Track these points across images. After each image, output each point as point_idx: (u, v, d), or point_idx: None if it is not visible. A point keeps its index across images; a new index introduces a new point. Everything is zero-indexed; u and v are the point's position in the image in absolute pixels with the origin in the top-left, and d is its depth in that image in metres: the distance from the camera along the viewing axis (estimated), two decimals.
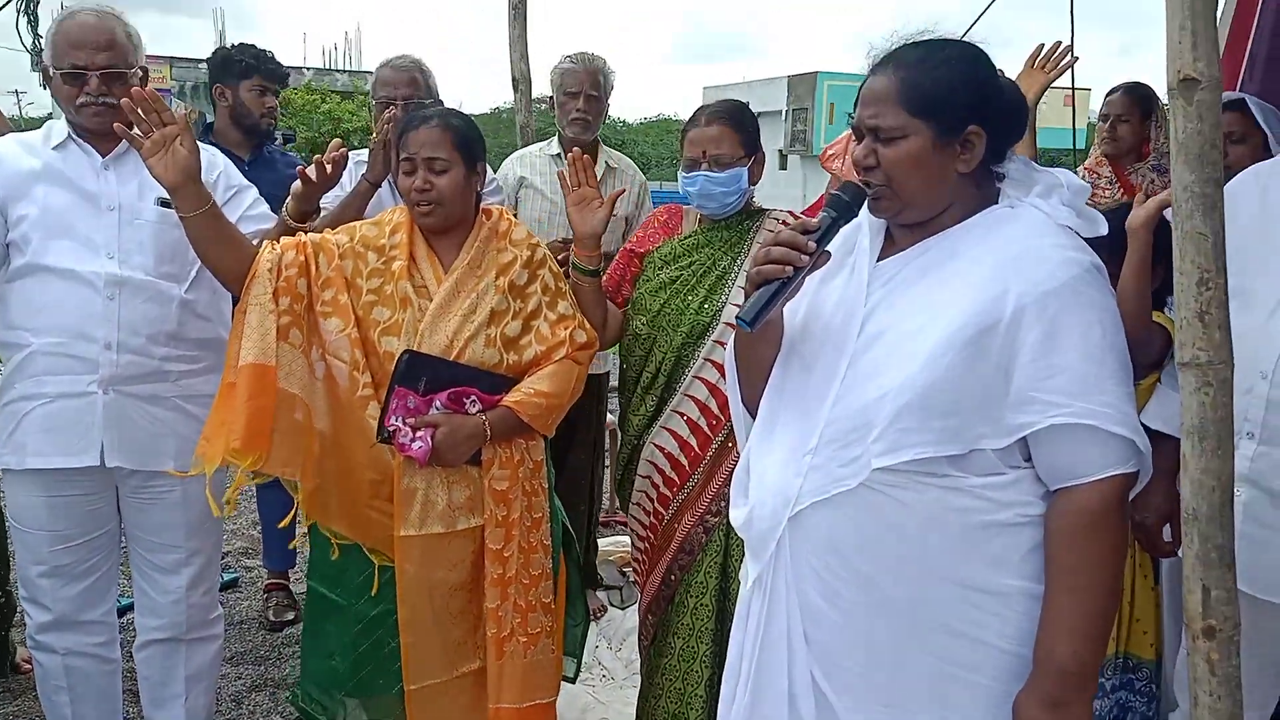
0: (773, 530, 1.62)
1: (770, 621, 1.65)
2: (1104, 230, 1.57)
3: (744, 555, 2.49)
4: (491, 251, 2.43)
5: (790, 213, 2.69)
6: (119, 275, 2.44)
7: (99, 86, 2.41)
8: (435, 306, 2.33)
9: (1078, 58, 2.89)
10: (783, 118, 30.51)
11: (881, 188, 1.58)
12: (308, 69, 31.33)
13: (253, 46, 3.76)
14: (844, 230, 1.63)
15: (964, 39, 1.65)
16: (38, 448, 2.47)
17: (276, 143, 4.01)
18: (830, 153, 2.62)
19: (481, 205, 2.50)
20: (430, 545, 2.34)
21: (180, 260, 2.46)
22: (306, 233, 2.44)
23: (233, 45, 3.80)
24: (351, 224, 2.47)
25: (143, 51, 2.53)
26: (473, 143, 2.42)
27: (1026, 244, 1.52)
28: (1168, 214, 1.78)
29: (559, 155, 3.62)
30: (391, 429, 2.27)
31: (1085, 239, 1.55)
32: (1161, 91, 3.58)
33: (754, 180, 2.57)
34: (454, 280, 2.37)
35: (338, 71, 32.20)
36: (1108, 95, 3.88)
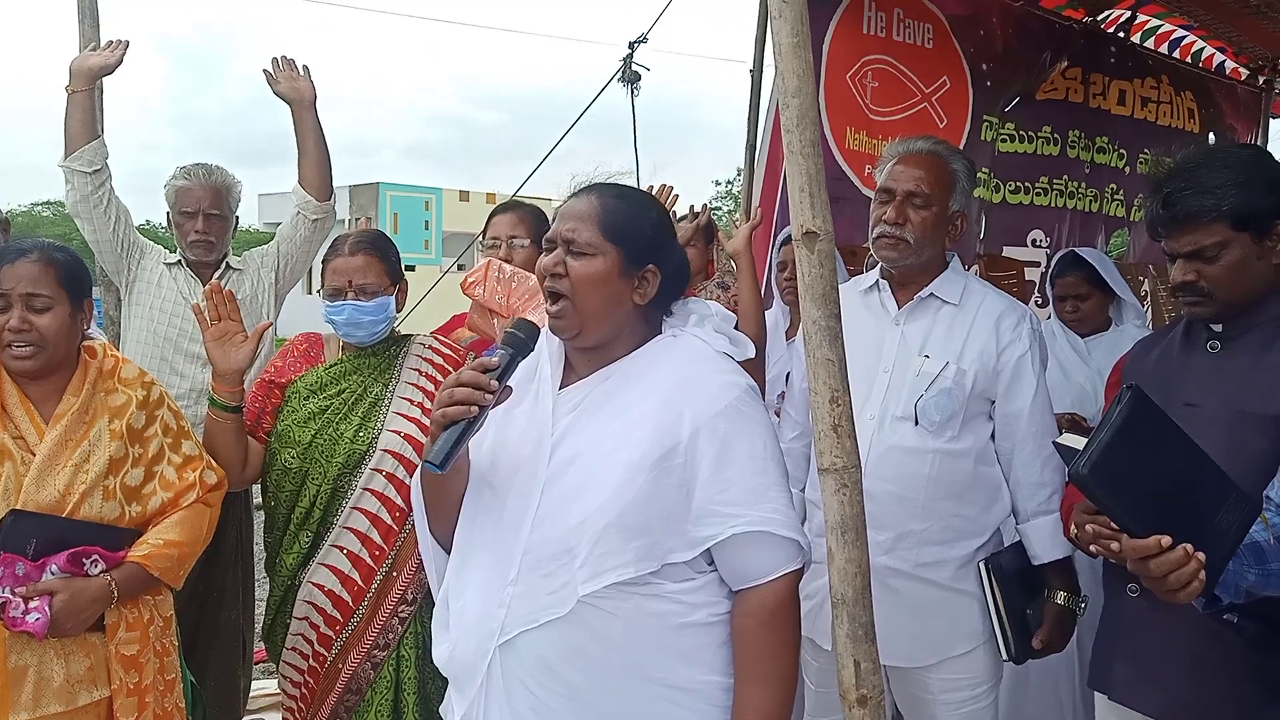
0: (479, 663, 1.65)
1: None
2: (752, 353, 1.78)
3: (416, 689, 2.47)
4: (100, 394, 2.24)
5: (437, 337, 2.75)
6: None
7: None
8: (41, 459, 2.12)
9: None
10: (346, 227, 30.27)
11: (565, 303, 1.69)
12: None
13: None
14: (522, 363, 1.71)
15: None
16: None
17: None
18: (471, 280, 2.71)
19: (84, 344, 2.30)
20: None
21: None
22: None
23: None
24: None
25: None
26: (79, 277, 2.24)
27: (692, 370, 1.69)
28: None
29: (180, 263, 3.35)
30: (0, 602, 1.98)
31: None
32: None
33: (399, 308, 2.60)
34: (62, 428, 2.16)
35: None
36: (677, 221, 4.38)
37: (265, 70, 3.39)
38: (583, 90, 5.77)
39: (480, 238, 3.21)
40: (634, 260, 1.71)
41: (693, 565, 1.66)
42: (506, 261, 2.86)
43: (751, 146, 4.11)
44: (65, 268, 2.20)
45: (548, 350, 1.78)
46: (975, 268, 4.39)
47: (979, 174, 4.18)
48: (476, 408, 1.59)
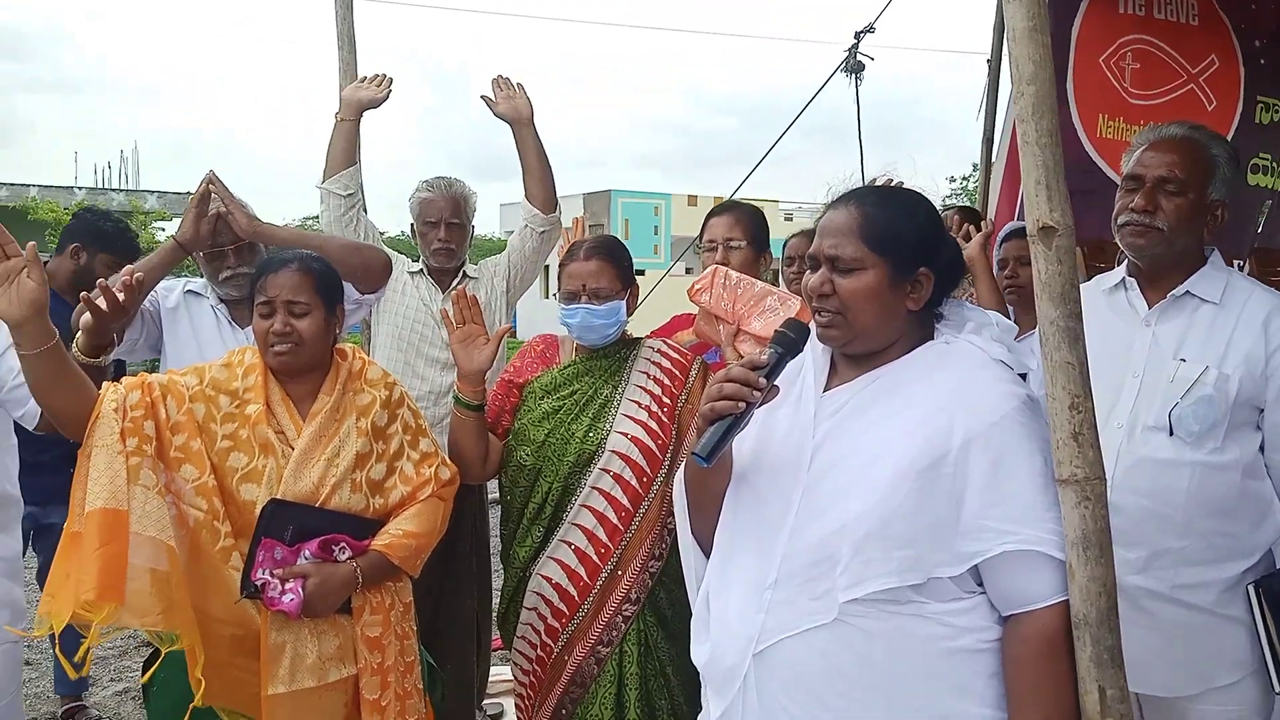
0: (738, 668, 1.62)
1: None
2: (1034, 366, 1.69)
3: (638, 686, 2.50)
4: (350, 394, 2.38)
5: (665, 341, 2.77)
6: None
7: None
8: (299, 453, 2.26)
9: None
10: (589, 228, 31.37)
11: (835, 316, 1.64)
12: (79, 188, 29.66)
13: (123, 222, 3.89)
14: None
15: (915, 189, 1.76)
16: None
17: None
18: (697, 287, 2.72)
19: (336, 346, 2.46)
20: (300, 701, 2.21)
21: None
22: (101, 368, 2.30)
23: (105, 214, 3.97)
24: (199, 365, 2.37)
25: None
26: (332, 285, 2.40)
27: (967, 377, 1.61)
28: None
29: (422, 272, 3.54)
30: (260, 582, 2.16)
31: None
32: None
33: (630, 311, 2.65)
34: (316, 425, 2.31)
35: (113, 190, 30.64)
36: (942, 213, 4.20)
37: (484, 96, 3.52)
38: (810, 93, 5.70)
39: (697, 240, 3.22)
40: (904, 267, 1.64)
41: (960, 584, 1.57)
42: (723, 264, 2.85)
43: (988, 140, 3.92)
44: (321, 277, 2.37)
45: (812, 352, 1.73)
46: (1243, 264, 3.98)
47: (1260, 159, 3.79)
48: (744, 404, 1.58)
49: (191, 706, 2.16)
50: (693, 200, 33.04)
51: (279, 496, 2.21)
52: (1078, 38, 3.61)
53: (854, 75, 5.65)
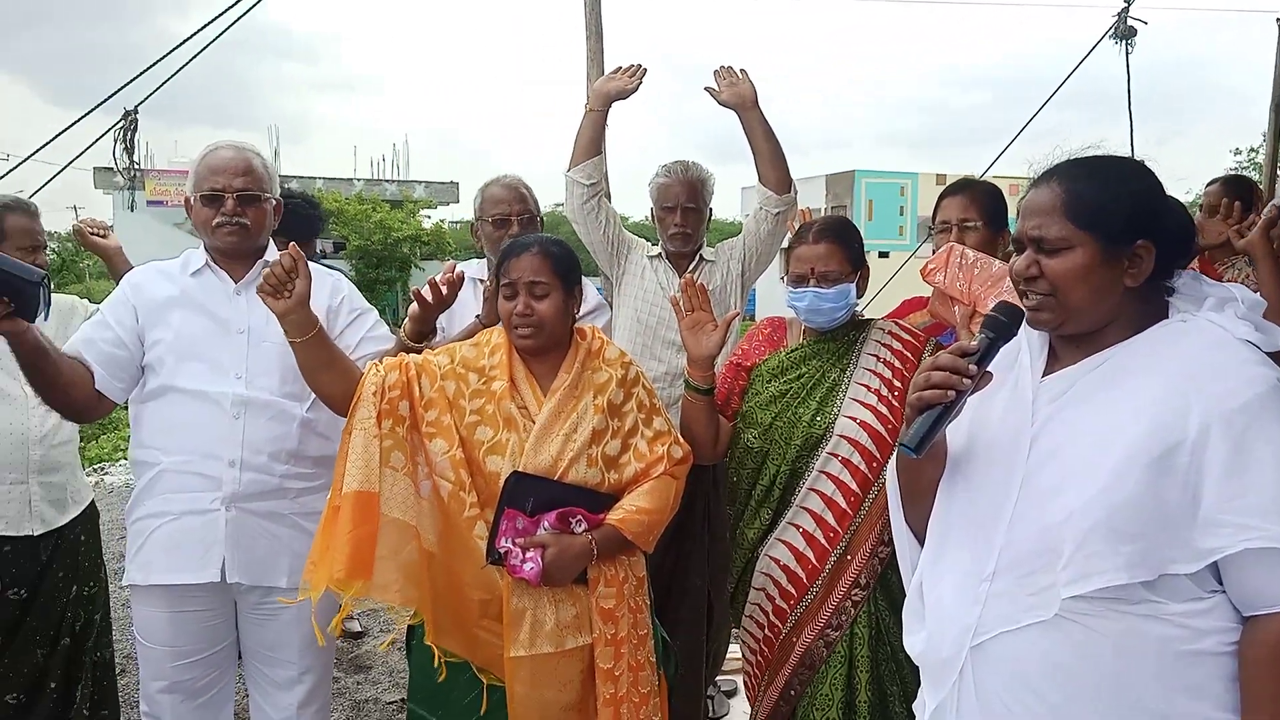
0: (954, 659, 1.59)
1: None
2: None
3: (869, 669, 2.47)
4: (588, 372, 2.47)
5: (896, 322, 2.71)
6: (245, 395, 2.54)
7: (234, 208, 2.55)
8: (539, 428, 2.36)
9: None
10: (823, 214, 30.88)
11: (1044, 298, 1.57)
12: (358, 179, 32.24)
13: (297, 202, 3.98)
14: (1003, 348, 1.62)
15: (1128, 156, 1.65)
16: (162, 564, 2.55)
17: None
18: (931, 267, 2.62)
19: (575, 325, 2.55)
20: (540, 665, 2.32)
21: (302, 380, 2.54)
22: (420, 353, 2.50)
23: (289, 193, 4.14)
24: (451, 345, 2.53)
25: (276, 182, 2.69)
26: (571, 268, 2.49)
27: (1205, 359, 1.49)
28: None
29: (660, 256, 3.62)
30: (503, 550, 2.28)
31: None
32: None
33: (860, 294, 2.60)
34: (555, 401, 2.40)
35: (386, 181, 33.08)
36: (1207, 186, 3.84)
37: (707, 88, 3.51)
38: (1073, 61, 5.32)
39: (930, 222, 3.10)
40: (1117, 241, 1.53)
41: (1199, 582, 1.45)
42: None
43: (1279, 106, 3.54)
44: (559, 260, 2.46)
45: (1028, 335, 1.65)
46: None
47: None
48: (954, 392, 1.54)
49: (444, 662, 2.34)
50: (941, 179, 31.75)
51: (520, 469, 2.32)
52: None
53: (1124, 41, 5.26)
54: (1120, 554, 1.44)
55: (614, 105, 3.53)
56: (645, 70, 3.54)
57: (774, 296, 3.90)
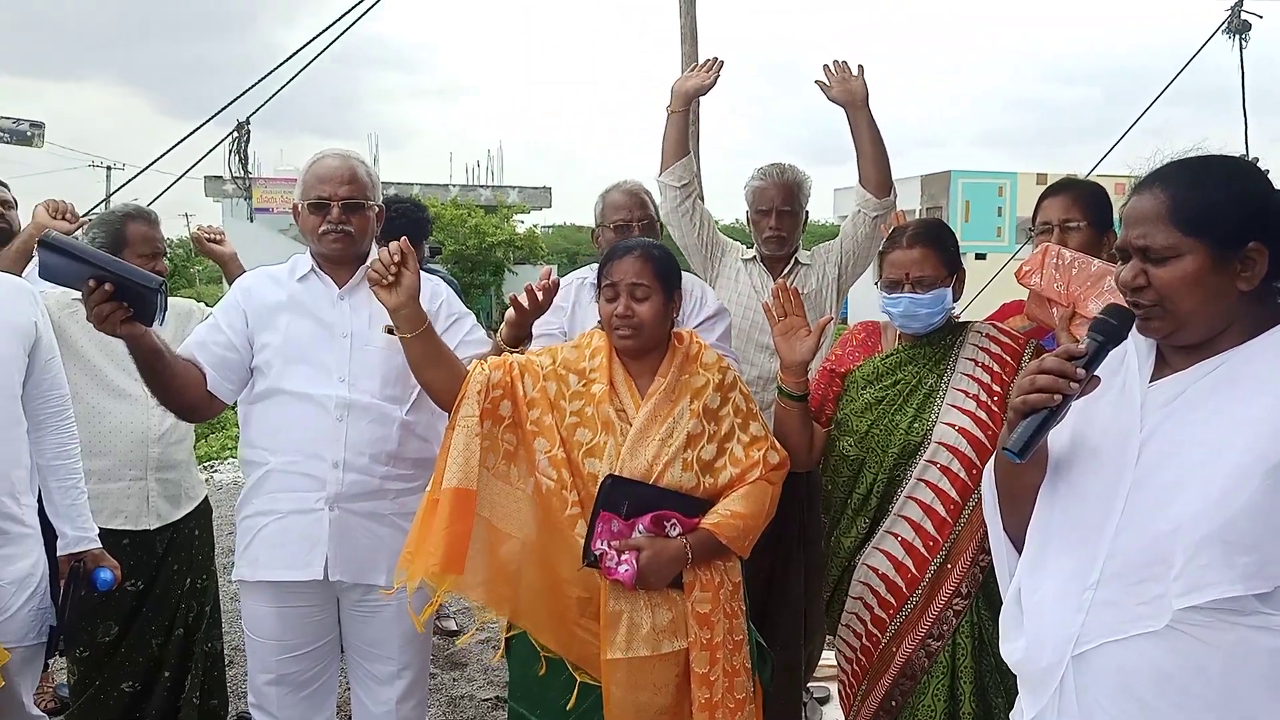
0: (1054, 668, 1.55)
1: None
2: None
3: (972, 679, 2.42)
4: (685, 376, 2.47)
5: (995, 325, 2.65)
6: (348, 398, 2.60)
7: (340, 215, 2.62)
8: (635, 431, 2.37)
9: None
10: (918, 216, 30.35)
11: (1153, 308, 1.52)
12: (454, 185, 32.84)
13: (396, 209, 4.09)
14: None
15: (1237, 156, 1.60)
16: (269, 561, 2.63)
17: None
18: (1026, 269, 2.55)
19: (673, 330, 2.55)
20: (636, 668, 2.33)
21: (402, 384, 2.61)
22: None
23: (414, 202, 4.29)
24: (552, 346, 2.57)
25: (379, 189, 2.76)
26: (671, 272, 2.49)
27: None
28: None
29: (755, 259, 3.60)
30: (598, 552, 2.30)
31: None
32: None
33: (956, 297, 2.55)
34: (652, 405, 2.41)
35: (481, 187, 33.63)
36: None
37: (818, 81, 3.48)
38: (1185, 56, 5.13)
39: (1030, 223, 3.02)
40: (1228, 245, 1.47)
41: None
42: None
43: None
44: (660, 263, 2.47)
45: (1135, 340, 1.60)
46: None
47: None
48: (1060, 396, 1.50)
49: (545, 658, 2.38)
50: (1041, 179, 30.92)
51: (616, 472, 2.33)
52: None
53: (1237, 35, 5.06)
54: (1235, 565, 1.39)
55: (705, 110, 3.52)
56: (722, 63, 3.51)
57: (867, 301, 3.84)
